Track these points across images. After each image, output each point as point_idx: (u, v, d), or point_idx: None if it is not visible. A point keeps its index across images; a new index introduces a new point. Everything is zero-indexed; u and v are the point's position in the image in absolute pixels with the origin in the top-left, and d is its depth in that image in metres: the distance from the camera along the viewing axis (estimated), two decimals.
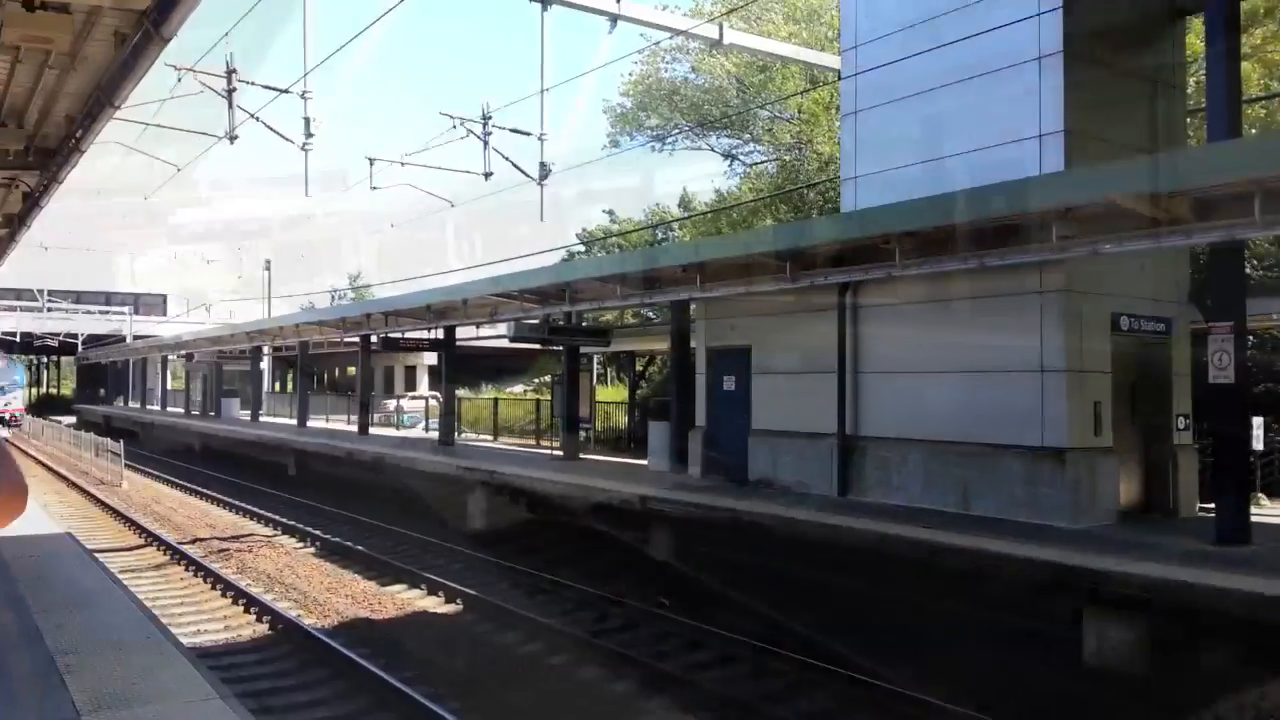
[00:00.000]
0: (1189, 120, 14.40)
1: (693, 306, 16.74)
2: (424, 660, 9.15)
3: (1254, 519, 9.97)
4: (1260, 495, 14.45)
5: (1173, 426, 12.17)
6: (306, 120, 15.81)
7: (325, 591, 12.01)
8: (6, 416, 43.08)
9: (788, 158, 32.96)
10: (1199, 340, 11.55)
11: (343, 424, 33.05)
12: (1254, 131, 17.24)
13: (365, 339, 27.79)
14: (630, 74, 35.66)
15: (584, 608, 11.30)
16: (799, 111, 31.55)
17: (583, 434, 22.22)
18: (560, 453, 19.95)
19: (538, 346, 25.49)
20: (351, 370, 47.65)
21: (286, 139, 16.25)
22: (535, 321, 19.42)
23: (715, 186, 52.02)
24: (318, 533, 16.10)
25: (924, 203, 10.76)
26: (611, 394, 33.19)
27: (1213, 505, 10.00)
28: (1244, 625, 7.25)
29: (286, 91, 15.99)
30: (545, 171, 18.44)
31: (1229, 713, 7.32)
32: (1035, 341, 11.12)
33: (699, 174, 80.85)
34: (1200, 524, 10.71)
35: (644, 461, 17.93)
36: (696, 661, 9.20)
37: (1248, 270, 13.89)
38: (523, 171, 18.91)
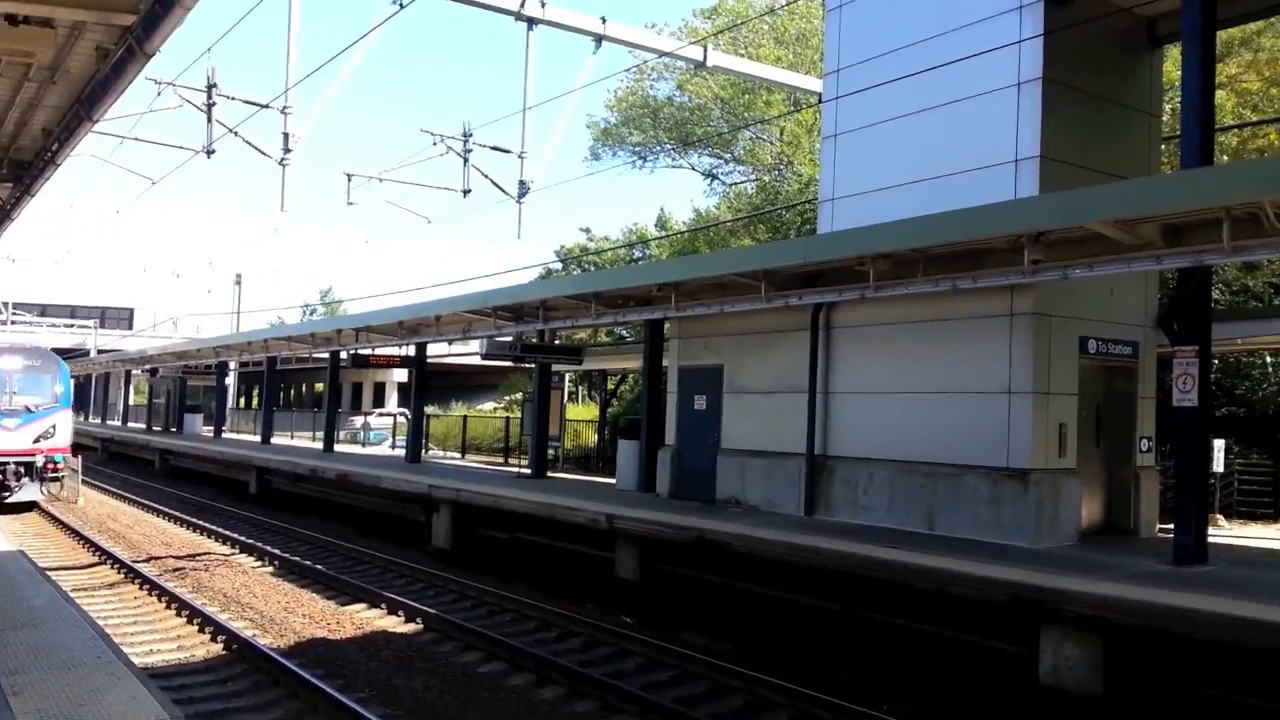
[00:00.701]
0: (1164, 147, 14.58)
1: (666, 325, 16.70)
2: (381, 681, 8.95)
3: (1211, 540, 10.01)
4: (1218, 516, 14.61)
5: (1136, 448, 12.25)
6: (286, 135, 15.85)
7: (282, 611, 11.78)
8: (38, 460, 20.78)
9: (767, 178, 33.20)
10: (1164, 364, 11.63)
11: (308, 441, 32.66)
12: (1226, 159, 17.53)
13: (335, 355, 27.52)
14: (615, 90, 35.91)
15: (547, 627, 11.17)
16: (781, 133, 31.79)
17: (552, 452, 22.08)
18: (529, 471, 19.79)
19: (510, 364, 25.32)
20: (319, 386, 47.07)
21: (264, 154, 16.28)
22: (508, 339, 19.30)
23: (694, 205, 52.37)
24: (277, 551, 15.85)
25: (899, 225, 10.78)
26: (582, 412, 33.12)
27: (1172, 526, 10.01)
28: (1198, 644, 7.23)
29: (267, 107, 16.01)
30: (524, 189, 18.48)
31: None
32: (1004, 363, 11.15)
33: (679, 193, 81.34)
34: (1160, 544, 10.76)
35: (613, 480, 17.81)
36: (657, 681, 9.07)
37: (1214, 295, 14.03)
38: (501, 189, 18.93)
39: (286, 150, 15.86)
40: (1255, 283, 18.78)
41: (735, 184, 36.24)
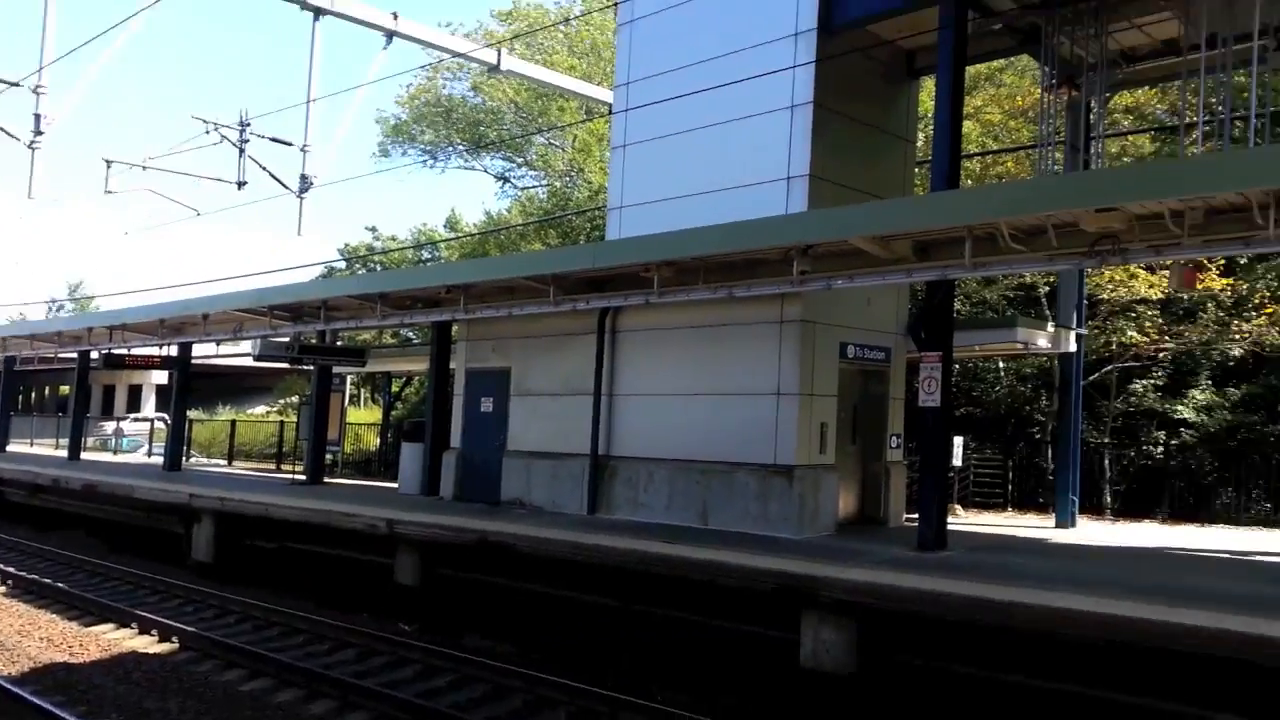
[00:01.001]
0: (917, 170, 15.92)
1: (454, 328, 16.45)
2: (131, 705, 8.22)
3: (951, 527, 11.05)
4: (957, 506, 16.11)
5: (887, 445, 13.33)
6: (37, 117, 14.68)
7: (15, 635, 10.59)
8: None
9: (559, 184, 33.38)
10: (912, 368, 12.71)
11: (51, 448, 29.57)
12: (970, 183, 19.37)
13: (85, 355, 25.07)
14: (409, 85, 34.92)
15: (319, 639, 10.69)
16: (573, 141, 32.06)
17: (330, 457, 21.19)
18: (304, 477, 18.87)
19: (285, 365, 24.03)
20: (65, 389, 42.72)
21: (12, 136, 15.07)
22: (285, 339, 18.31)
23: (486, 208, 51.79)
24: (11, 569, 14.28)
25: (683, 234, 11.20)
26: (364, 415, 31.98)
27: (917, 515, 10.95)
28: (937, 622, 7.90)
29: (17, 85, 14.87)
30: (306, 184, 17.65)
31: (918, 703, 8.00)
32: (773, 367, 11.81)
33: (470, 194, 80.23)
34: (907, 532, 11.71)
35: (395, 485, 17.33)
36: (435, 687, 8.90)
37: (956, 306, 15.48)
38: (281, 183, 18.01)
39: (37, 132, 14.63)
40: (992, 295, 20.87)
41: (527, 188, 36.25)
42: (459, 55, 21.81)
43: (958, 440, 15.32)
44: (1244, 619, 6.70)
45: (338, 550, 13.35)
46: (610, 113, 16.38)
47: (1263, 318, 17.87)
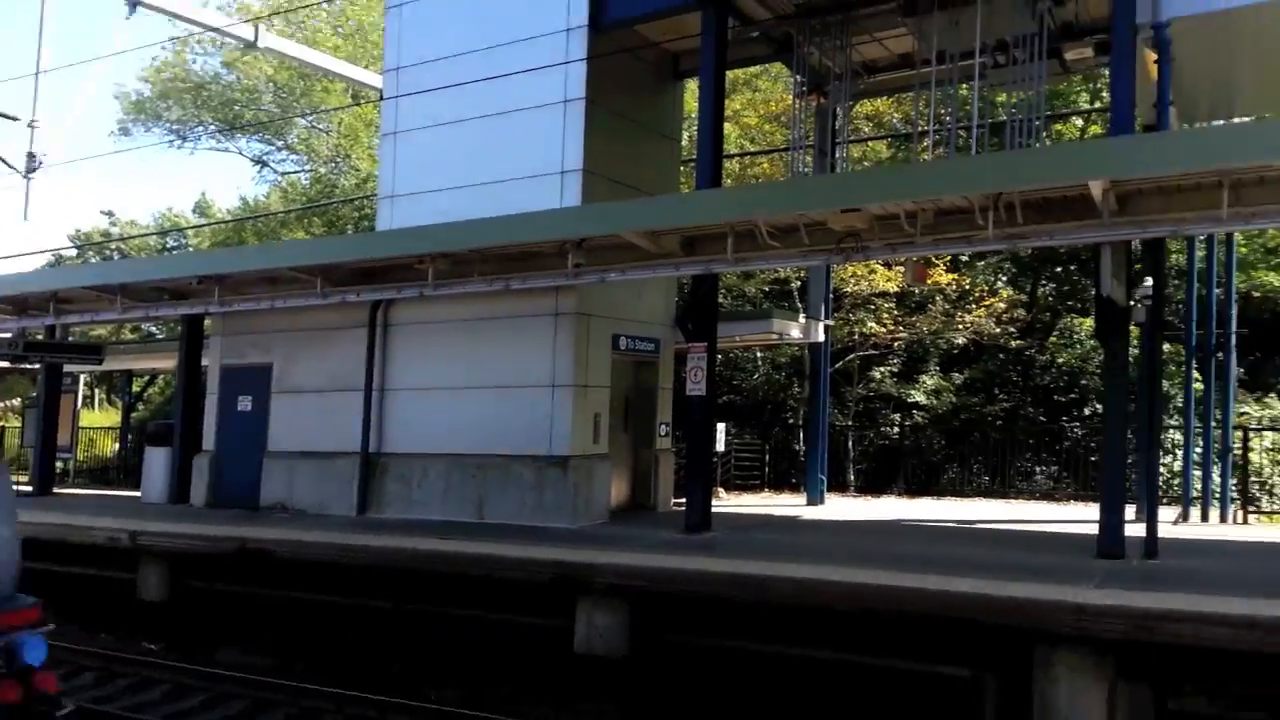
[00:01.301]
0: (682, 168, 16.51)
1: (207, 321, 15.32)
2: None
3: (715, 509, 11.52)
4: (720, 489, 16.96)
5: (656, 433, 13.79)
6: None
7: None
8: None
9: (324, 170, 31.81)
10: (680, 358, 13.22)
11: None
12: (730, 182, 20.32)
13: None
14: (155, 58, 31.91)
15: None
16: (339, 125, 30.62)
17: (61, 465, 19.17)
18: (30, 488, 16.94)
19: (7, 364, 21.44)
20: None
21: None
22: (7, 335, 16.38)
23: (242, 193, 48.46)
24: None
25: (459, 226, 11.02)
26: (101, 418, 29.13)
27: (684, 499, 11.41)
28: (703, 600, 8.24)
29: None
30: (34, 163, 15.89)
31: (686, 678, 8.37)
32: (549, 359, 11.90)
33: (225, 178, 74.57)
34: (675, 516, 12.15)
35: (138, 493, 15.92)
36: (186, 709, 8.30)
37: (720, 299, 16.20)
38: (4, 161, 16.06)
39: None
40: (751, 289, 22.08)
41: (288, 173, 34.28)
42: (212, 30, 20.23)
43: (721, 426, 16.06)
44: (970, 581, 7.40)
45: (71, 567, 12.05)
46: (381, 99, 15.81)
47: (982, 310, 20.08)
